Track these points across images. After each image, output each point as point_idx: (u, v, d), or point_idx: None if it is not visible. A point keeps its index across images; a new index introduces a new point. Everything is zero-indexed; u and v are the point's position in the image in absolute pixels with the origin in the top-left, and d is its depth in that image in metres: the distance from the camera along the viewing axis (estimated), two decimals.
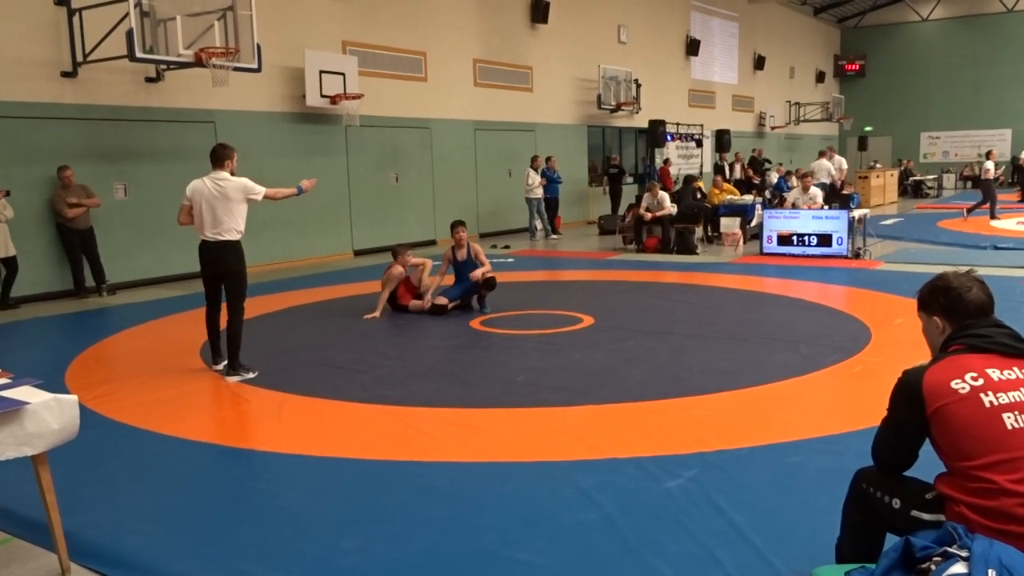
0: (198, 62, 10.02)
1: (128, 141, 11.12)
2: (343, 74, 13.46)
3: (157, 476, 4.26)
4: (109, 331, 8.27)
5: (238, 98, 12.21)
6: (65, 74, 10.33)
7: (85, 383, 6.11)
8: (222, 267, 6.16)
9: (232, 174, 6.18)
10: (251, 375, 6.18)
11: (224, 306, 6.28)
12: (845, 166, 19.72)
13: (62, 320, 8.97)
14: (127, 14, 9.45)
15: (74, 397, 3.12)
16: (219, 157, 6.17)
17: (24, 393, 3.07)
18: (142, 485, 4.14)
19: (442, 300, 8.49)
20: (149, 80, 11.24)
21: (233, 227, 6.11)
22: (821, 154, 19.85)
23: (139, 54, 9.58)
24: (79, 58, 10.27)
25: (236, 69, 10.38)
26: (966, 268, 2.66)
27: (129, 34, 9.42)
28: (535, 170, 16.37)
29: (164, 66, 10.90)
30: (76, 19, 10.16)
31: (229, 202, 6.06)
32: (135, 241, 11.25)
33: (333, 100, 13.27)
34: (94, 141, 10.74)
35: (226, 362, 6.27)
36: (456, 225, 8.77)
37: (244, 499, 3.91)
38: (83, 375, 6.42)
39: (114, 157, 10.98)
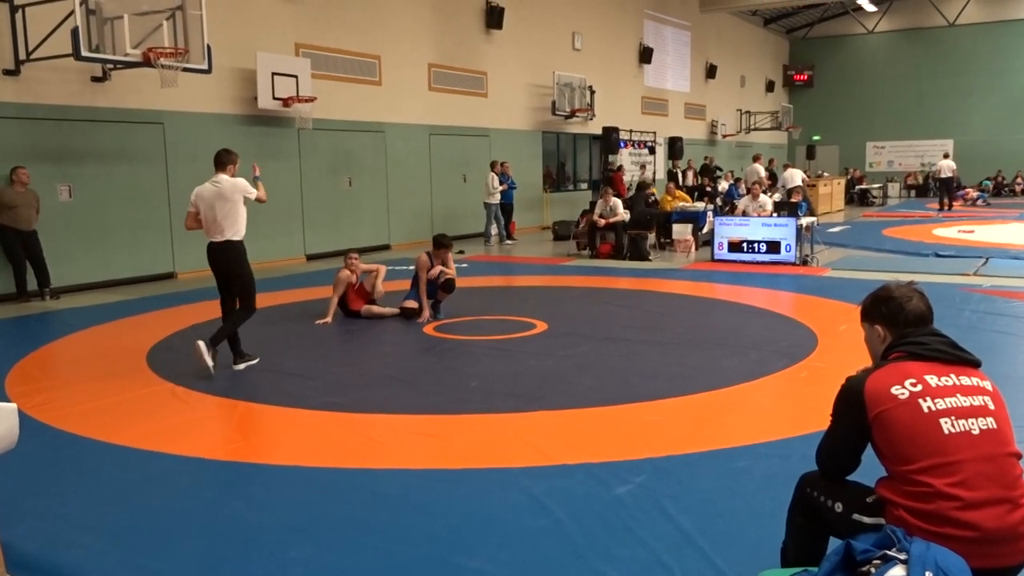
0: (146, 62, 9.82)
1: (73, 142, 10.86)
2: (296, 76, 13.32)
3: (99, 486, 4.17)
4: (52, 336, 8.06)
5: (188, 99, 12.02)
6: (7, 72, 10.05)
7: (26, 390, 5.95)
8: (225, 267, 6.44)
9: (232, 177, 6.43)
10: (253, 361, 6.52)
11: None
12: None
13: (1, 325, 8.71)
14: (72, 12, 9.23)
15: (13, 405, 3.04)
16: (221, 161, 6.44)
17: None
18: (84, 495, 4.04)
19: (412, 303, 8.44)
20: (95, 80, 11.00)
21: (233, 227, 6.35)
22: (755, 159, 20.42)
23: (84, 53, 9.36)
24: (22, 56, 10.00)
25: (185, 70, 10.21)
26: (908, 280, 2.75)
27: (74, 32, 9.21)
28: (496, 175, 16.43)
29: (111, 65, 10.67)
30: (19, 16, 9.90)
31: (226, 202, 6.29)
32: (79, 244, 10.99)
33: (285, 103, 13.12)
34: (37, 141, 10.47)
35: (236, 356, 6.53)
36: (448, 243, 8.59)
37: (189, 509, 3.84)
38: (24, 382, 6.24)
39: (58, 158, 10.72)
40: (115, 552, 3.39)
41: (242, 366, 6.51)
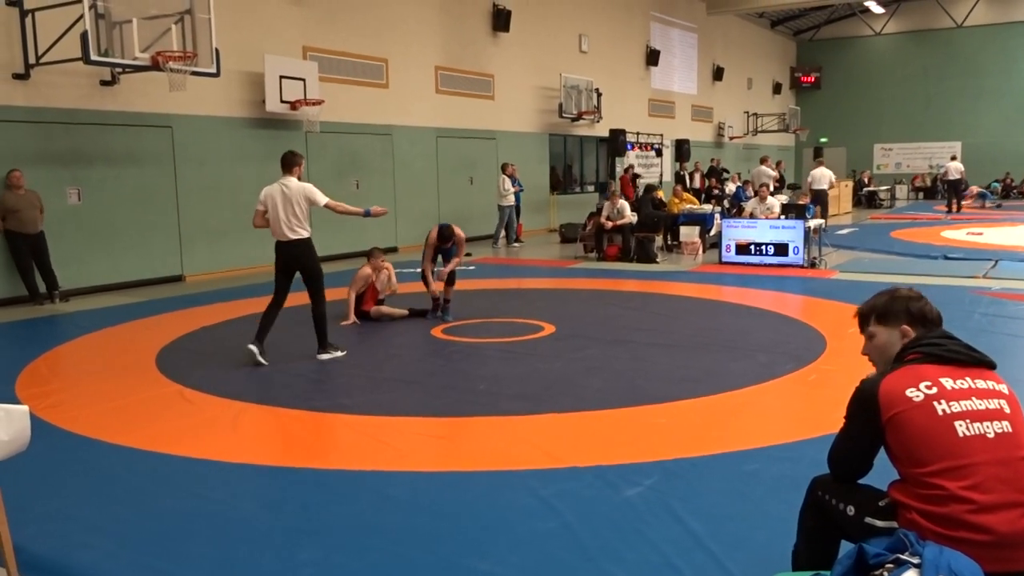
0: (155, 66, 9.87)
1: (82, 145, 10.91)
2: (303, 80, 13.36)
3: (110, 488, 4.18)
4: (61, 339, 8.09)
5: (196, 102, 12.06)
6: (17, 76, 10.10)
7: (36, 392, 5.97)
8: (294, 263, 6.82)
9: (299, 179, 6.80)
10: (339, 354, 6.93)
11: (285, 304, 7.01)
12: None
13: (12, 327, 8.74)
14: (81, 16, 9.28)
15: (25, 407, 3.04)
16: (288, 163, 6.82)
17: None
18: (94, 497, 4.05)
19: (438, 282, 8.60)
20: (104, 83, 11.04)
21: (299, 226, 6.74)
22: (762, 161, 20.24)
23: (94, 57, 9.41)
24: (31, 60, 10.05)
25: (194, 73, 10.25)
26: (911, 284, 2.75)
27: (83, 36, 9.25)
28: (507, 177, 16.48)
29: (119, 69, 10.73)
30: (28, 20, 9.94)
31: (291, 204, 6.68)
32: (88, 247, 11.02)
33: (293, 106, 13.16)
34: (47, 145, 10.52)
35: (261, 347, 6.79)
36: (451, 235, 8.58)
37: (199, 511, 3.85)
38: (34, 384, 6.26)
39: (67, 161, 10.77)
40: (125, 553, 3.40)
41: (256, 351, 6.73)
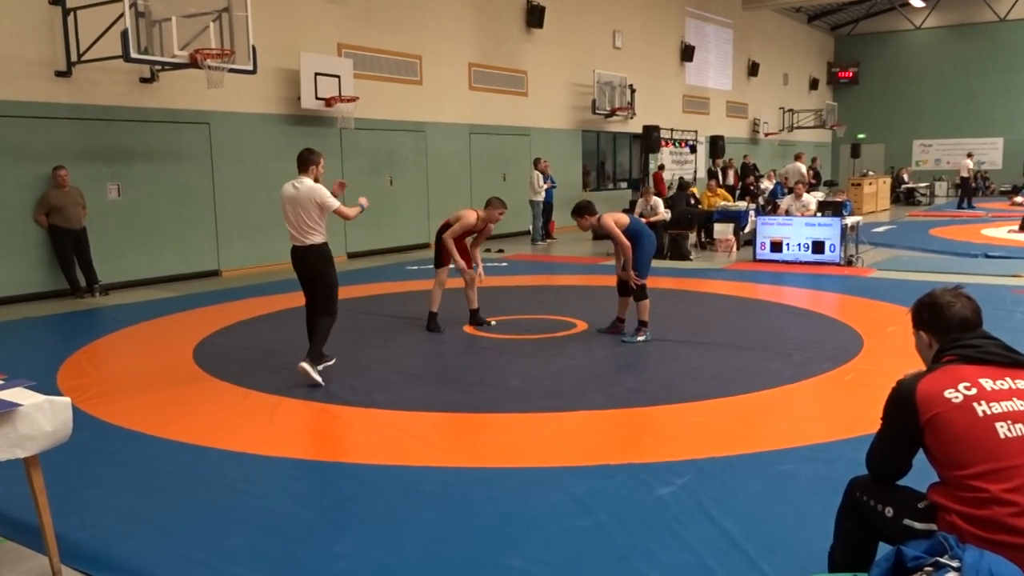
0: (193, 63, 9.99)
1: (122, 141, 11.09)
2: (338, 76, 13.45)
3: (149, 479, 4.25)
4: (101, 332, 8.23)
5: (233, 99, 12.20)
6: (59, 74, 10.30)
7: (77, 384, 6.09)
8: (309, 271, 6.18)
9: (316, 180, 6.16)
10: (330, 362, 6.28)
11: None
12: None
13: (53, 320, 8.93)
14: (122, 14, 9.43)
15: (67, 399, 3.11)
16: (303, 162, 6.19)
17: (17, 395, 3.05)
18: (133, 488, 4.12)
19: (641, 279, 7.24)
20: (144, 80, 11.21)
21: (311, 231, 6.08)
22: (797, 158, 19.98)
23: (134, 54, 9.55)
24: (73, 58, 10.23)
25: (231, 71, 10.36)
26: (955, 284, 2.73)
27: (124, 34, 9.40)
28: (541, 172, 16.49)
29: (159, 67, 10.87)
30: (71, 19, 10.13)
31: (301, 207, 6.05)
32: (127, 242, 11.21)
33: (328, 103, 13.25)
34: (88, 141, 10.71)
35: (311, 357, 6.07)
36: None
37: (235, 503, 3.90)
38: (75, 376, 6.39)
39: (108, 157, 10.95)
40: (163, 543, 3.45)
41: (309, 368, 5.99)
